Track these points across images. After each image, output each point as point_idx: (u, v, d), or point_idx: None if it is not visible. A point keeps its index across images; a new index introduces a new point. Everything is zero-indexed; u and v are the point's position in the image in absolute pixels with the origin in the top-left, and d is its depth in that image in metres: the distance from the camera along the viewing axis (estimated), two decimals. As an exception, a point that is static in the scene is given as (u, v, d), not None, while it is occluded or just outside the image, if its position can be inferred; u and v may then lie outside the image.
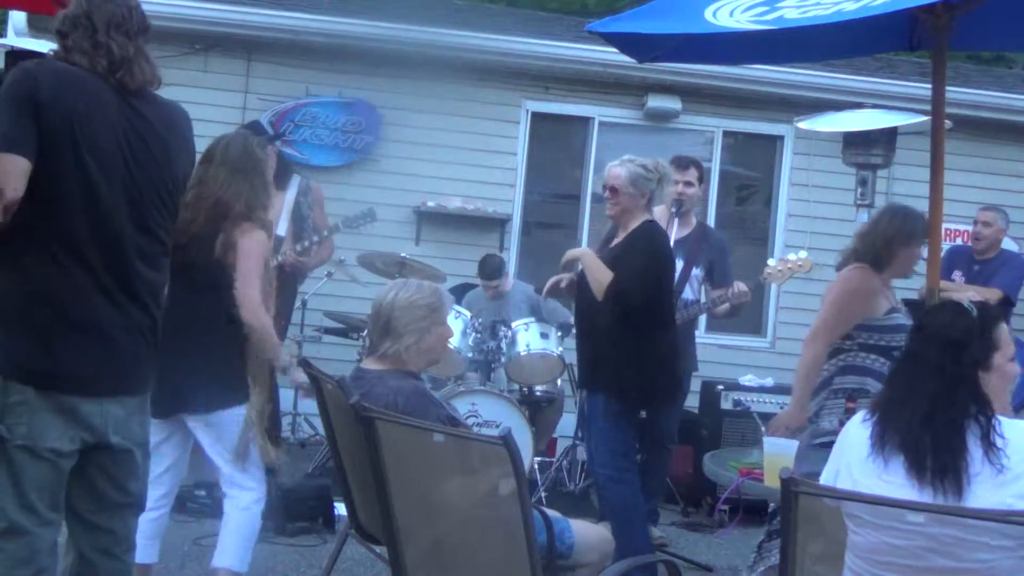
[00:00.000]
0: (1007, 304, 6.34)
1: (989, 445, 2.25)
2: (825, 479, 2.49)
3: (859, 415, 2.50)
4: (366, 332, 3.43)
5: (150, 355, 2.77)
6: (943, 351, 2.37)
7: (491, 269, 6.70)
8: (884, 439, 2.35)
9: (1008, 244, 7.84)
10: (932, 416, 2.31)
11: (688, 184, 5.29)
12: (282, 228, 5.83)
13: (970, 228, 6.94)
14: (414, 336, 3.30)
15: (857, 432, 2.44)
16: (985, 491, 2.22)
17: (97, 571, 2.77)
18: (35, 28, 7.16)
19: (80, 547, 2.77)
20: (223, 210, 3.64)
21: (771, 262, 5.49)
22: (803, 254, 5.42)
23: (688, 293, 5.31)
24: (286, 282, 5.66)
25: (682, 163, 5.35)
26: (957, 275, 6.54)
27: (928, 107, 3.85)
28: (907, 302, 7.08)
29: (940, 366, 2.36)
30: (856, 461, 2.39)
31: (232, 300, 3.62)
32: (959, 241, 7.15)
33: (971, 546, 2.19)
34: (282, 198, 5.80)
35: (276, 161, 5.48)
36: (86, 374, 2.61)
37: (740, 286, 5.19)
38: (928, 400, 2.33)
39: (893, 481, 2.31)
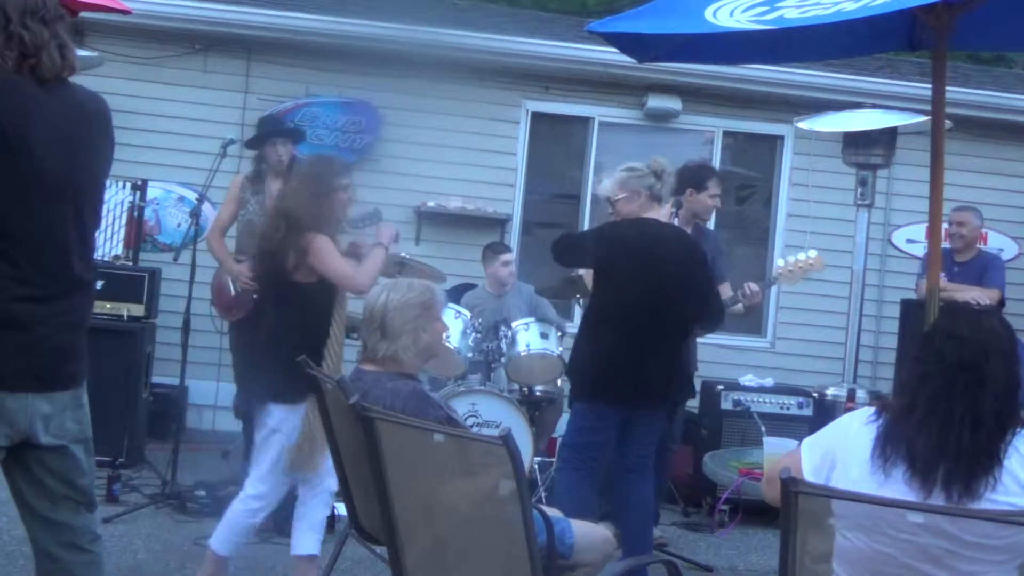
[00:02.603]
0: (1000, 305, 6.33)
1: (999, 458, 2.23)
2: (814, 463, 2.45)
3: (861, 413, 2.44)
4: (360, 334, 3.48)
5: (80, 349, 2.71)
6: (1001, 360, 2.30)
7: (499, 245, 6.76)
8: (892, 445, 2.30)
9: (1006, 243, 7.87)
10: (984, 426, 2.24)
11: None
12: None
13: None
14: (410, 336, 3.32)
15: (859, 432, 2.40)
16: (987, 504, 2.21)
17: (67, 566, 2.73)
18: None
19: (44, 546, 2.73)
20: (296, 224, 4.02)
21: (780, 262, 5.39)
22: (813, 253, 5.25)
23: None
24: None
25: (719, 176, 5.57)
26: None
27: (928, 107, 3.85)
28: (906, 302, 7.13)
29: (1000, 376, 2.29)
30: (855, 463, 2.37)
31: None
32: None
33: (963, 559, 2.18)
34: None
35: (290, 160, 5.51)
36: (8, 370, 2.54)
37: (752, 287, 5.14)
38: (992, 412, 2.25)
39: (897, 489, 2.28)
